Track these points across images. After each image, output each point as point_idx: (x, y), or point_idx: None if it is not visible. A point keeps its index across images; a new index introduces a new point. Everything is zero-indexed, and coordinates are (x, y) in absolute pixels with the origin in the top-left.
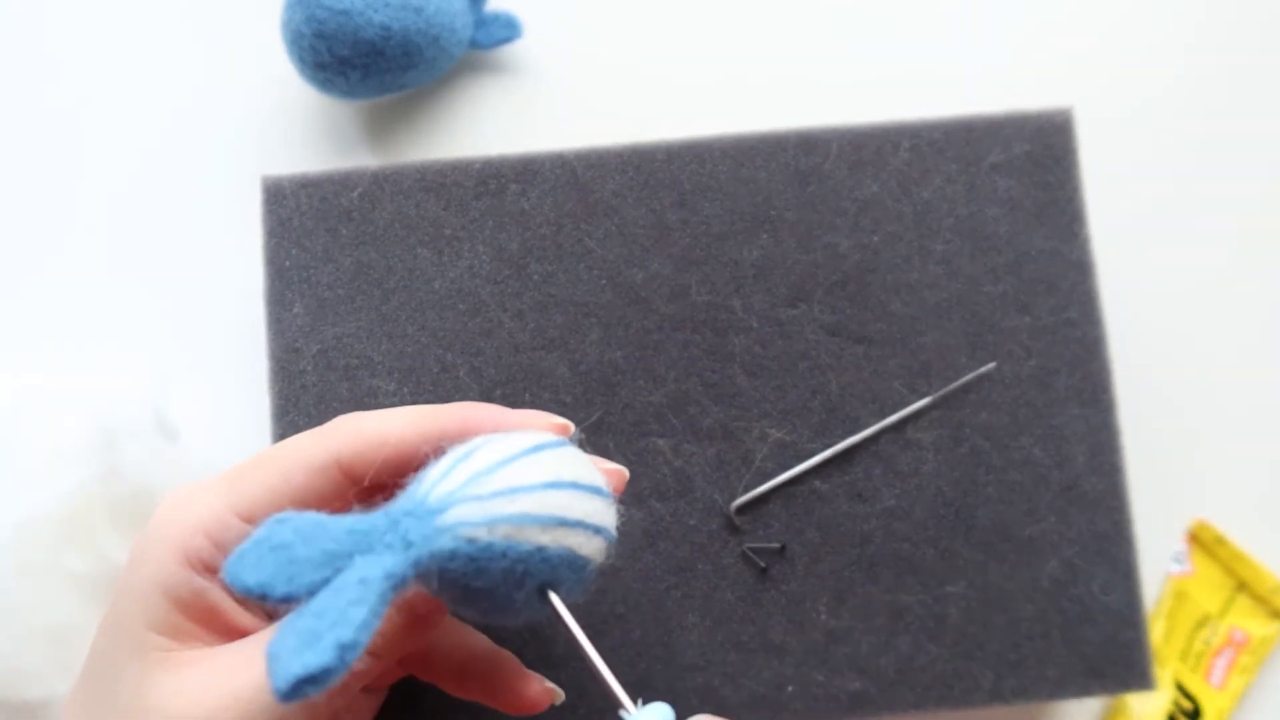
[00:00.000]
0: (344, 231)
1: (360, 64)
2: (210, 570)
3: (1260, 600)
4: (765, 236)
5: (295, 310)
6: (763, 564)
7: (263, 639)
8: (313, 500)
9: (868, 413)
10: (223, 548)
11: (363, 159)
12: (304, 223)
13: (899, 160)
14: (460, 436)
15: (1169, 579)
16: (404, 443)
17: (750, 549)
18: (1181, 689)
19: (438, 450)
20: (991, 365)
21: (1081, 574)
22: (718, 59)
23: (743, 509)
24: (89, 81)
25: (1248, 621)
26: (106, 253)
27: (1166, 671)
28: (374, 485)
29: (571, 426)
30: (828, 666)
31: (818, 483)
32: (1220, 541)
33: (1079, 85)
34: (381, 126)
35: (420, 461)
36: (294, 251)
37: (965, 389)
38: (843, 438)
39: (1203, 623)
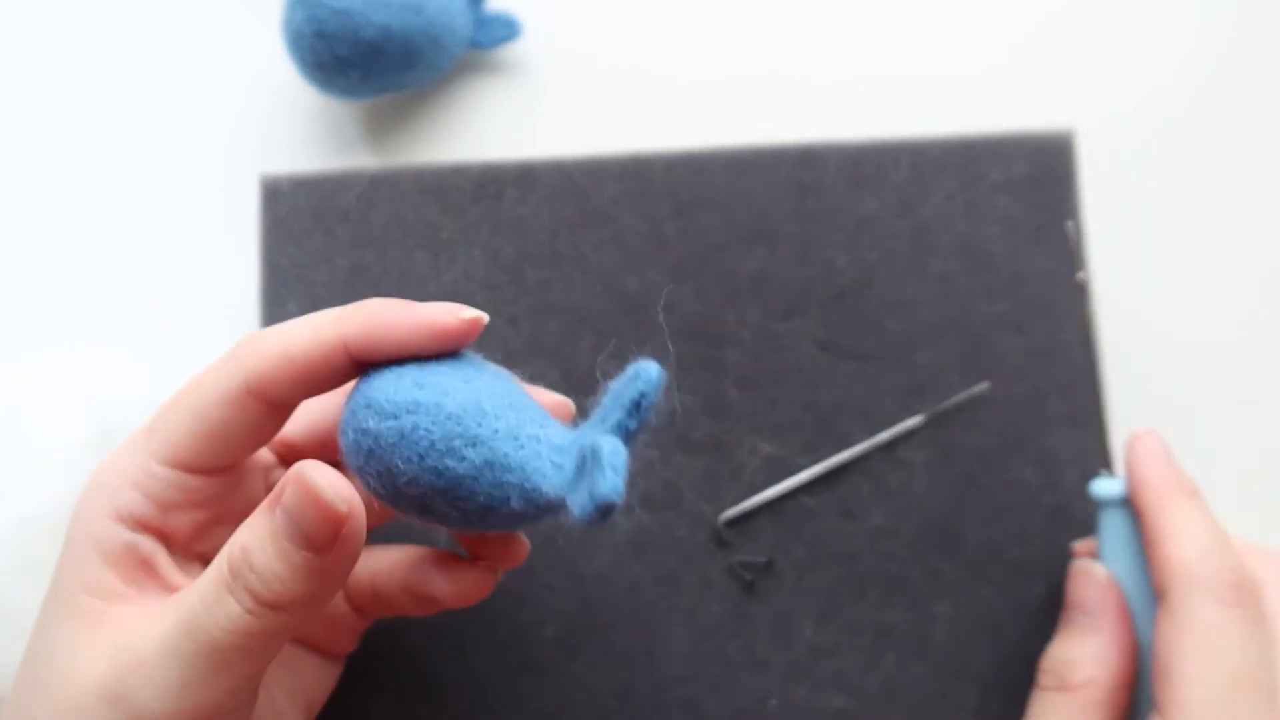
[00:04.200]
0: (341, 232)
1: (360, 64)
2: (143, 525)
3: None
4: (762, 249)
5: (290, 309)
6: (749, 578)
7: (192, 590)
8: (234, 433)
9: (859, 429)
10: (153, 498)
11: (362, 158)
12: (301, 222)
13: (899, 177)
14: (365, 340)
15: None
16: (310, 356)
17: (738, 563)
18: None
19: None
20: (984, 385)
21: None
22: (718, 60)
23: (731, 522)
24: (89, 80)
25: None
26: (105, 252)
27: None
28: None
29: (484, 317)
30: (812, 682)
31: (807, 498)
32: None
33: (1078, 102)
34: (381, 126)
35: (329, 374)
36: (290, 250)
37: (957, 409)
38: (833, 454)
39: None
